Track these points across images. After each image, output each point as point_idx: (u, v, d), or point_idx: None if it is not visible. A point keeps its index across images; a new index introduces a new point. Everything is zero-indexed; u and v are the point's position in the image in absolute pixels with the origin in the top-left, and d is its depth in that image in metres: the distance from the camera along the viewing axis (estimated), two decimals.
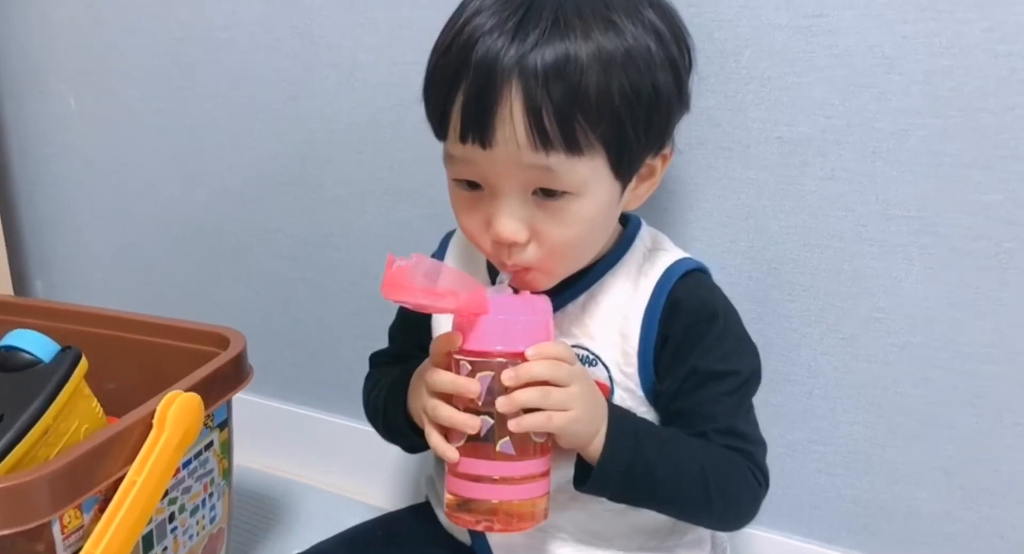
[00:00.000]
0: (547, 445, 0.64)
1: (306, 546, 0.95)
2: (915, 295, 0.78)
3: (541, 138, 0.58)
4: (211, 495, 0.82)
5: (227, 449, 0.84)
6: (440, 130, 0.64)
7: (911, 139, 0.75)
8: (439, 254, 0.80)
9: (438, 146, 0.67)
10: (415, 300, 0.58)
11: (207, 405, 0.75)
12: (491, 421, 0.61)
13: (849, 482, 0.86)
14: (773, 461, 0.87)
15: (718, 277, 0.75)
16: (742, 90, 0.79)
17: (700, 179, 0.84)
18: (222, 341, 0.84)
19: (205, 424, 0.79)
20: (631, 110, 0.60)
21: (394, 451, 0.79)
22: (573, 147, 0.59)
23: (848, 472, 0.86)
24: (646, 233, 0.74)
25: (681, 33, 0.65)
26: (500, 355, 0.61)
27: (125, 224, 1.23)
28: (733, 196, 0.83)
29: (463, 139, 0.61)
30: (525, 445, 0.62)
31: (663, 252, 0.72)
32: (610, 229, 0.70)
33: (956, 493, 0.82)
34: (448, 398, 0.63)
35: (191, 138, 1.13)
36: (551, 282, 0.68)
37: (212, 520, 0.83)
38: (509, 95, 0.58)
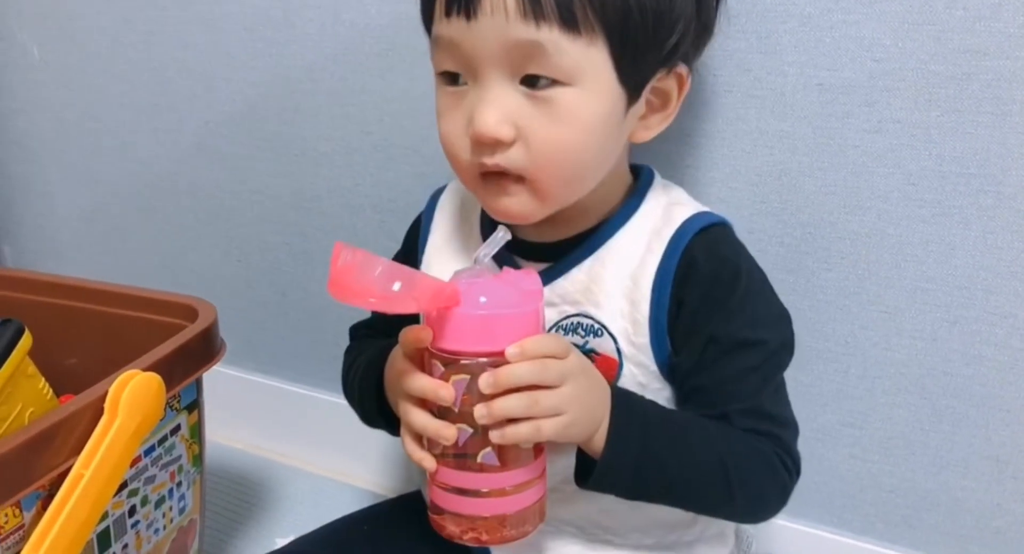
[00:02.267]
0: (540, 445, 0.56)
1: (289, 533, 0.89)
2: (970, 263, 0.71)
3: (533, 5, 0.53)
4: (179, 484, 0.74)
5: (197, 432, 0.76)
6: (427, 10, 0.59)
7: (974, 85, 0.66)
8: (427, 213, 0.73)
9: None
10: (367, 305, 0.50)
11: (172, 385, 0.68)
12: (470, 430, 0.53)
13: (887, 469, 0.79)
14: (802, 446, 0.80)
15: (746, 242, 0.67)
16: (777, 30, 0.71)
17: (728, 132, 0.75)
18: (190, 313, 0.76)
19: (170, 406, 0.71)
20: None
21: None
22: (569, 21, 0.53)
23: (886, 458, 0.79)
24: (659, 186, 0.66)
25: None
26: (476, 355, 0.52)
27: (95, 184, 1.16)
28: (765, 151, 0.75)
29: (447, 12, 0.56)
30: (510, 455, 0.54)
31: (678, 206, 0.64)
32: (611, 154, 0.61)
33: (1008, 484, 0.75)
34: (423, 401, 0.55)
35: (163, 89, 1.05)
36: (542, 210, 0.60)
37: (182, 511, 0.76)
38: None
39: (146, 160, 1.10)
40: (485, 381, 0.51)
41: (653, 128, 0.62)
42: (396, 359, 0.59)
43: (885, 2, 0.67)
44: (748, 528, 0.75)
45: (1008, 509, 0.75)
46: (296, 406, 1.08)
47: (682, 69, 0.61)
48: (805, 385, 0.79)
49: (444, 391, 0.53)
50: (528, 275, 0.55)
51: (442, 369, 0.53)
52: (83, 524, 0.59)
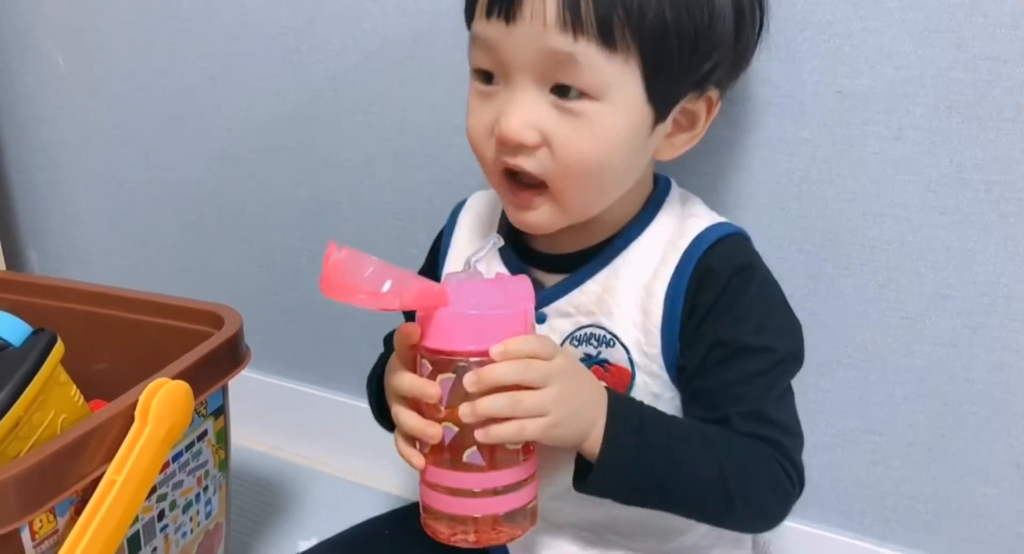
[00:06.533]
0: (530, 447, 0.56)
1: (311, 536, 0.91)
2: (991, 270, 0.70)
3: (572, 17, 0.53)
4: (206, 489, 0.76)
5: (223, 438, 0.77)
6: (469, 7, 0.60)
7: (994, 91, 0.66)
8: (448, 227, 0.73)
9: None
10: (356, 301, 0.51)
11: (199, 392, 0.69)
12: (455, 429, 0.54)
13: (908, 476, 0.79)
14: (823, 451, 0.80)
15: (765, 250, 0.67)
16: (797, 38, 0.71)
17: (747, 139, 0.75)
18: (216, 320, 0.77)
19: (198, 412, 0.72)
20: (678, 19, 0.54)
21: None
22: (607, 37, 0.54)
23: (907, 465, 0.78)
24: (676, 197, 0.66)
25: None
26: (461, 354, 0.53)
27: (120, 192, 1.17)
28: (784, 158, 0.75)
29: (488, 13, 0.56)
30: (496, 455, 0.54)
31: (694, 218, 0.64)
32: (635, 170, 0.62)
33: None
34: (414, 402, 0.56)
35: (186, 98, 1.06)
36: (563, 220, 0.60)
37: (208, 515, 0.77)
38: None
39: (170, 167, 1.11)
40: (469, 379, 0.52)
41: (679, 147, 0.63)
42: (391, 361, 0.60)
43: (905, 10, 0.67)
44: (766, 533, 0.76)
45: None
46: (318, 410, 1.09)
47: (713, 93, 0.61)
48: (826, 391, 0.79)
49: (430, 388, 0.54)
50: (519, 280, 0.57)
51: (430, 368, 0.54)
52: (115, 529, 0.60)
